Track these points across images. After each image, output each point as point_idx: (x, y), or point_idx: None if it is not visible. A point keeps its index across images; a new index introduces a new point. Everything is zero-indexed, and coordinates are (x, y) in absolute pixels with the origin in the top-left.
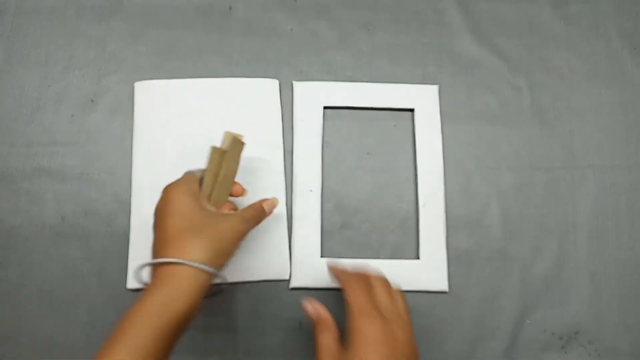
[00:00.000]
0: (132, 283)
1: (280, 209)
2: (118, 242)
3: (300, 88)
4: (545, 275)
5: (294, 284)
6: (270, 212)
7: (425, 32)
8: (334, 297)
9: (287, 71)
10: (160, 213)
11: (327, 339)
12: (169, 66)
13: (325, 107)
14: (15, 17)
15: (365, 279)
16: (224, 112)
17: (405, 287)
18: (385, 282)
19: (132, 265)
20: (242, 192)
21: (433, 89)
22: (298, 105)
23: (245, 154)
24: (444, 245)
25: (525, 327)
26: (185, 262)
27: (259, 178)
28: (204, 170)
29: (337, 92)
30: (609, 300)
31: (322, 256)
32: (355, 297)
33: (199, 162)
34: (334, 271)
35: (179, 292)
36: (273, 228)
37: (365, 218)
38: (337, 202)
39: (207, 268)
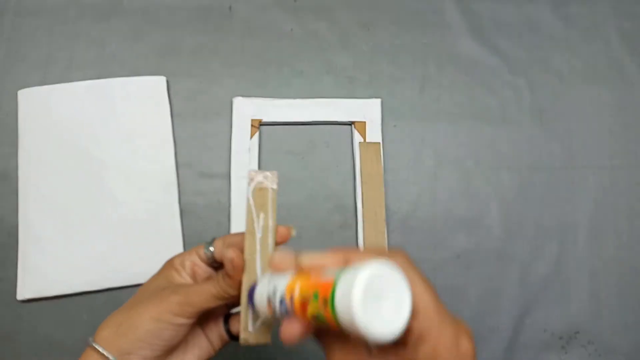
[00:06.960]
0: (22, 294)
1: (173, 204)
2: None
3: (237, 104)
4: (545, 275)
5: None
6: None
7: (425, 32)
8: None
9: (287, 72)
10: None
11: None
12: (169, 66)
13: (261, 124)
14: (15, 18)
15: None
16: (110, 113)
17: None
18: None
19: (21, 275)
20: (287, 235)
21: (376, 102)
22: (235, 120)
23: (134, 153)
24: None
25: (525, 327)
26: (89, 341)
27: (149, 176)
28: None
29: (273, 108)
30: (608, 299)
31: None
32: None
33: (86, 168)
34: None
35: None
36: (165, 225)
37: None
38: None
39: (97, 347)
